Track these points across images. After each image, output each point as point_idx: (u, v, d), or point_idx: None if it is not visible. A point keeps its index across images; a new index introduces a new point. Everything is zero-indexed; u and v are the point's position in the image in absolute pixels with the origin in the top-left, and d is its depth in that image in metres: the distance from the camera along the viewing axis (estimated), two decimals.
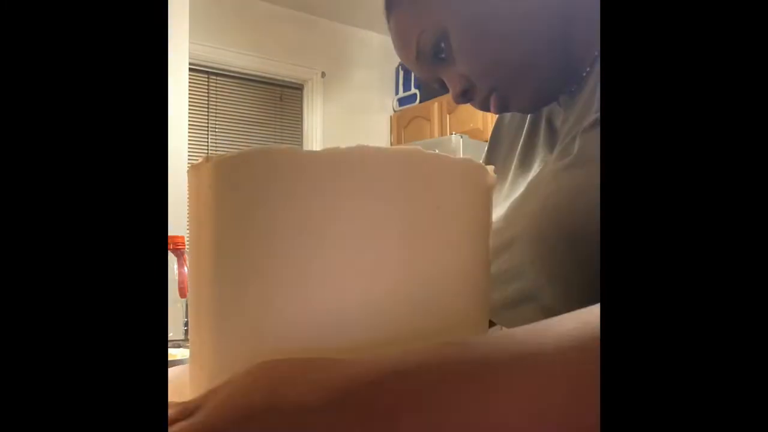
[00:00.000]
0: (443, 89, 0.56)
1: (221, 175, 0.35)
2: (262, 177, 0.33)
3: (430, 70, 0.55)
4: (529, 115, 0.62)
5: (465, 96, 0.54)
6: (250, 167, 0.34)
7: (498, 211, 0.55)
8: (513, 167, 0.61)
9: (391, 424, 0.25)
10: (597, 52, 0.50)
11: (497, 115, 0.67)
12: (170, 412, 0.28)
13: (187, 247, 1.04)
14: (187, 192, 0.39)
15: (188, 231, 0.39)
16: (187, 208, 0.39)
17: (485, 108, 0.54)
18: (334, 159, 0.33)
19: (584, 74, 0.52)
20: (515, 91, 0.52)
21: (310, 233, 0.32)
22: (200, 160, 0.37)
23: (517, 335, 0.28)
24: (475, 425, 0.24)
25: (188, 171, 0.39)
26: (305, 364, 0.28)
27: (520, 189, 0.55)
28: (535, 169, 0.57)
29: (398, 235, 0.33)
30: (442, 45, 0.51)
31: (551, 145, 0.56)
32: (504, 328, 0.52)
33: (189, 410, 0.28)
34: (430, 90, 3.38)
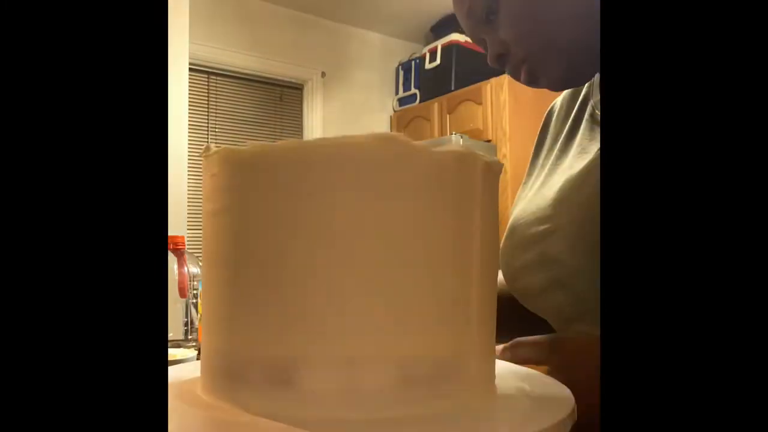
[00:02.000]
0: (483, 47, 0.59)
1: (229, 167, 0.35)
2: (270, 171, 0.33)
3: (477, 29, 0.57)
4: (575, 108, 0.64)
5: (500, 60, 0.57)
6: (257, 161, 0.34)
7: (536, 200, 0.57)
8: (553, 157, 0.63)
9: None
10: None
11: (546, 111, 0.70)
12: None
13: (187, 246, 1.04)
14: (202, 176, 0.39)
15: (202, 224, 0.39)
16: (201, 198, 0.39)
17: (516, 77, 0.57)
18: (323, 153, 0.33)
19: None
20: (545, 66, 0.54)
21: (321, 228, 0.32)
22: (212, 149, 0.37)
23: None
24: None
25: (203, 157, 0.38)
26: None
27: (555, 177, 0.58)
28: (570, 157, 0.59)
29: (409, 230, 0.33)
30: (493, 7, 0.54)
31: (592, 134, 0.58)
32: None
33: None
34: (430, 90, 3.38)
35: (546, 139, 0.68)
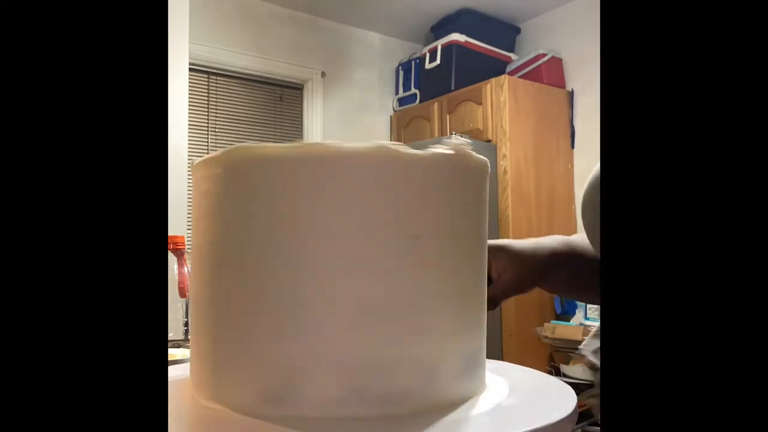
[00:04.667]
0: None
1: (224, 173, 0.35)
2: (261, 176, 0.33)
3: None
4: None
5: None
6: (250, 166, 0.34)
7: None
8: None
9: None
10: None
11: None
12: None
13: (187, 246, 1.04)
14: (192, 188, 0.40)
15: (192, 229, 0.39)
16: (192, 205, 0.39)
17: None
18: (315, 159, 0.33)
19: None
20: None
21: (309, 231, 0.32)
22: (204, 157, 0.37)
23: None
24: None
25: (192, 167, 0.39)
26: None
27: None
28: None
29: (398, 234, 0.33)
30: None
31: None
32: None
33: None
34: (430, 90, 3.38)
35: None
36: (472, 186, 0.37)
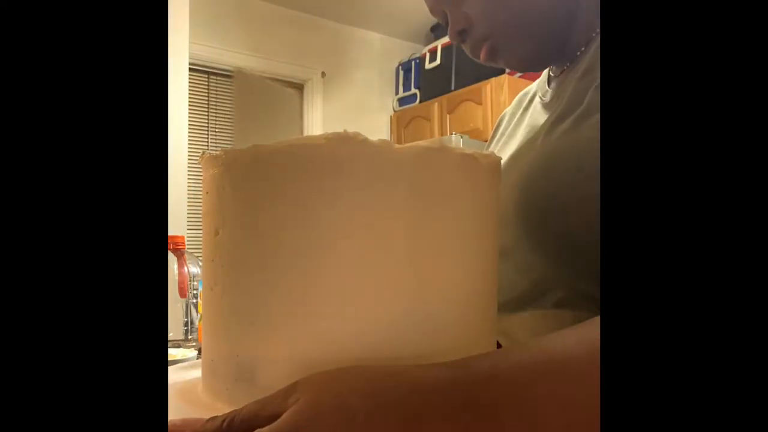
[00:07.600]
0: (443, 22, 0.58)
1: (234, 170, 0.35)
2: (272, 174, 0.33)
3: (440, 2, 0.56)
4: (524, 104, 0.65)
5: (461, 35, 0.56)
6: (263, 163, 0.33)
7: None
8: (501, 143, 0.64)
9: (494, 419, 0.27)
10: (595, 33, 0.52)
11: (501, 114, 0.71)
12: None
13: (187, 246, 1.04)
14: (202, 184, 0.39)
15: (201, 225, 0.39)
16: (202, 200, 0.39)
17: (476, 54, 0.56)
18: (337, 155, 0.32)
19: (578, 53, 0.53)
20: (507, 44, 0.54)
21: (321, 236, 0.32)
22: (217, 152, 0.37)
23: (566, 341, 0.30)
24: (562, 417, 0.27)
25: (203, 161, 0.38)
26: (387, 370, 0.30)
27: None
28: (518, 138, 0.59)
29: (411, 235, 0.32)
30: None
31: (540, 114, 0.58)
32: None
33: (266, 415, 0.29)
34: (430, 90, 3.38)
35: (496, 137, 0.69)
36: (485, 185, 0.37)
